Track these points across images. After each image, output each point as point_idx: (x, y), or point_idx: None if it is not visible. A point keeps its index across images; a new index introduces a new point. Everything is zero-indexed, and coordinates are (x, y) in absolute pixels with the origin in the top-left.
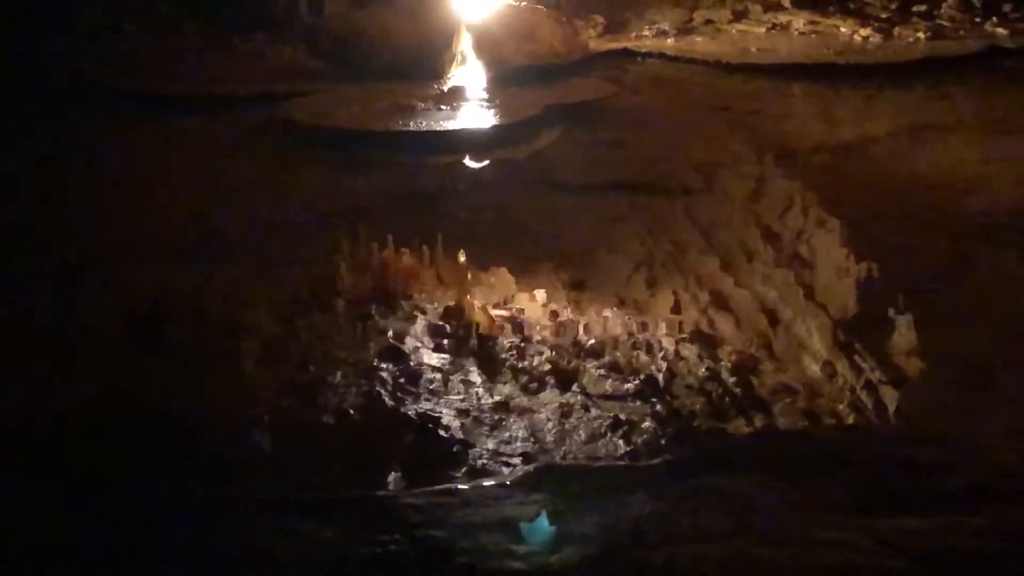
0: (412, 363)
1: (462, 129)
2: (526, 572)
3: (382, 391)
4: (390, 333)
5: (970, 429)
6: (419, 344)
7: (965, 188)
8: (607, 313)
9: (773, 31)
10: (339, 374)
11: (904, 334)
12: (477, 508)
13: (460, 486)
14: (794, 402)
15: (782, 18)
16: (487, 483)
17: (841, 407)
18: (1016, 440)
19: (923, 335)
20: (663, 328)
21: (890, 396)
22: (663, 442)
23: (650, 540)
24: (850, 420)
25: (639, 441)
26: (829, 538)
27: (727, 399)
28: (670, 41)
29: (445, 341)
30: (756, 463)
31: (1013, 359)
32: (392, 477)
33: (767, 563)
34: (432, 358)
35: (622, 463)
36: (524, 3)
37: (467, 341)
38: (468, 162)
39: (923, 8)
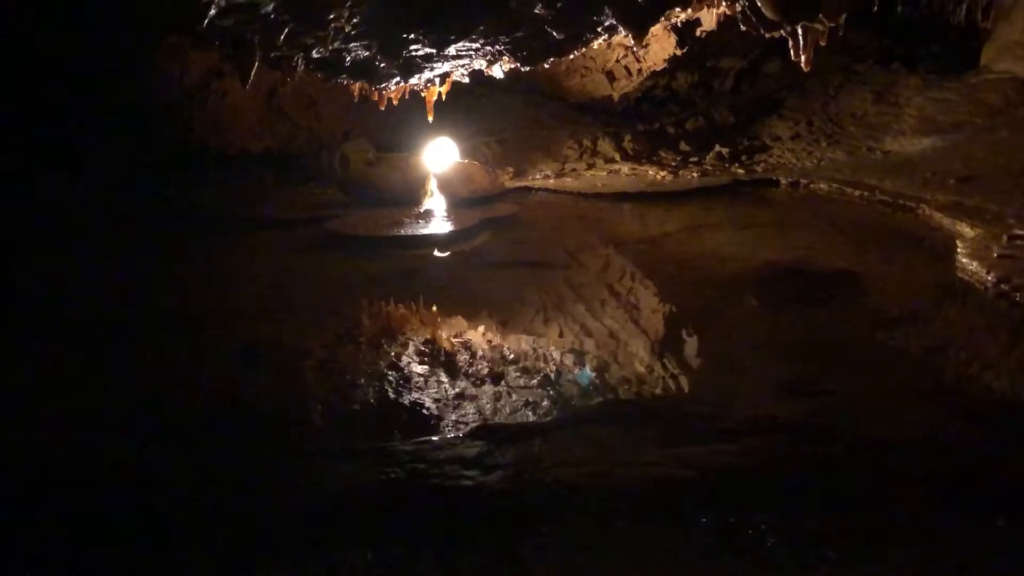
0: (406, 371)
1: (432, 233)
2: (473, 487)
3: (388, 388)
4: (392, 354)
5: (727, 397)
6: (410, 360)
7: (722, 260)
8: (520, 339)
9: (611, 174)
10: (362, 379)
11: (690, 344)
12: (443, 451)
13: (434, 438)
14: (630, 386)
15: (616, 167)
16: (450, 436)
17: (655, 388)
18: (754, 403)
19: (701, 344)
20: (553, 347)
21: (683, 381)
22: (555, 411)
23: (544, 464)
24: (659, 392)
25: (540, 411)
26: (649, 460)
27: (592, 385)
28: (551, 181)
29: (425, 358)
30: (609, 420)
31: (753, 357)
32: (395, 436)
33: (612, 476)
34: (418, 368)
35: (529, 423)
36: (467, 161)
37: (439, 358)
38: (436, 253)
39: (695, 159)
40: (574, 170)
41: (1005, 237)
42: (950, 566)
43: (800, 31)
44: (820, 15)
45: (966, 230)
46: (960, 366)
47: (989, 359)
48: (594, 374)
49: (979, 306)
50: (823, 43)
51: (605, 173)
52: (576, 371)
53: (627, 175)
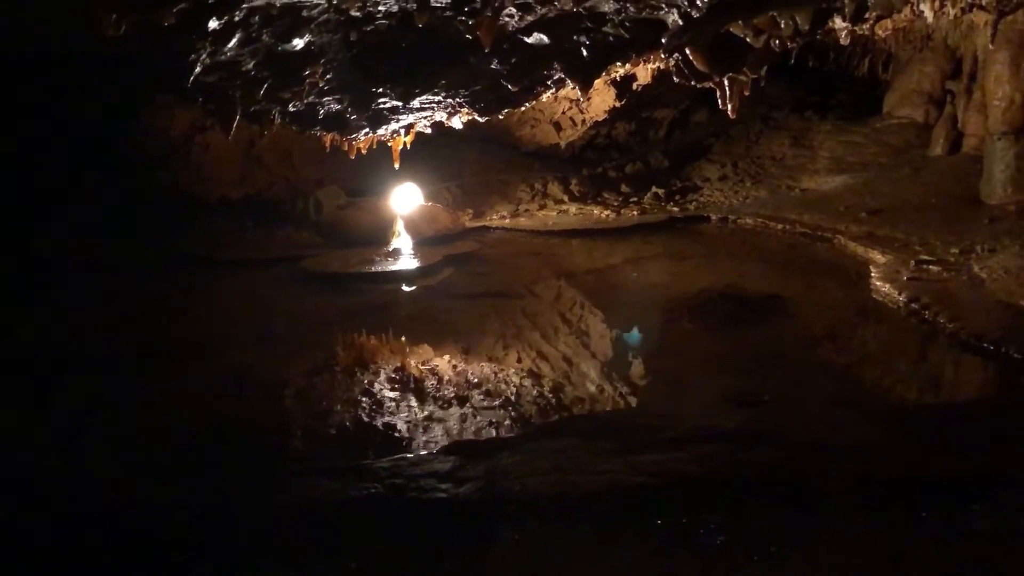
0: (379, 397)
1: (400, 269)
2: (447, 499)
3: (364, 412)
4: (367, 380)
5: (673, 410)
6: (384, 386)
7: (663, 287)
8: (483, 364)
9: (561, 213)
10: (339, 404)
11: (638, 363)
12: (419, 466)
13: (410, 455)
14: (586, 403)
15: (564, 207)
16: (424, 453)
17: (609, 403)
18: (700, 414)
19: (649, 362)
20: (512, 371)
21: (634, 396)
22: (517, 427)
23: (512, 476)
24: (613, 408)
25: (503, 429)
26: (607, 468)
27: (549, 404)
28: (507, 220)
29: (398, 384)
30: (569, 434)
31: (696, 372)
32: (373, 454)
33: (575, 484)
34: (390, 393)
35: (496, 439)
36: (430, 203)
37: (410, 383)
38: (404, 287)
39: (635, 199)
40: (527, 210)
41: (913, 262)
42: (882, 558)
43: (727, 82)
44: (744, 67)
45: (878, 257)
46: (880, 376)
47: (905, 369)
48: (552, 394)
49: (893, 323)
50: (747, 93)
51: (555, 213)
52: (535, 392)
53: (575, 214)
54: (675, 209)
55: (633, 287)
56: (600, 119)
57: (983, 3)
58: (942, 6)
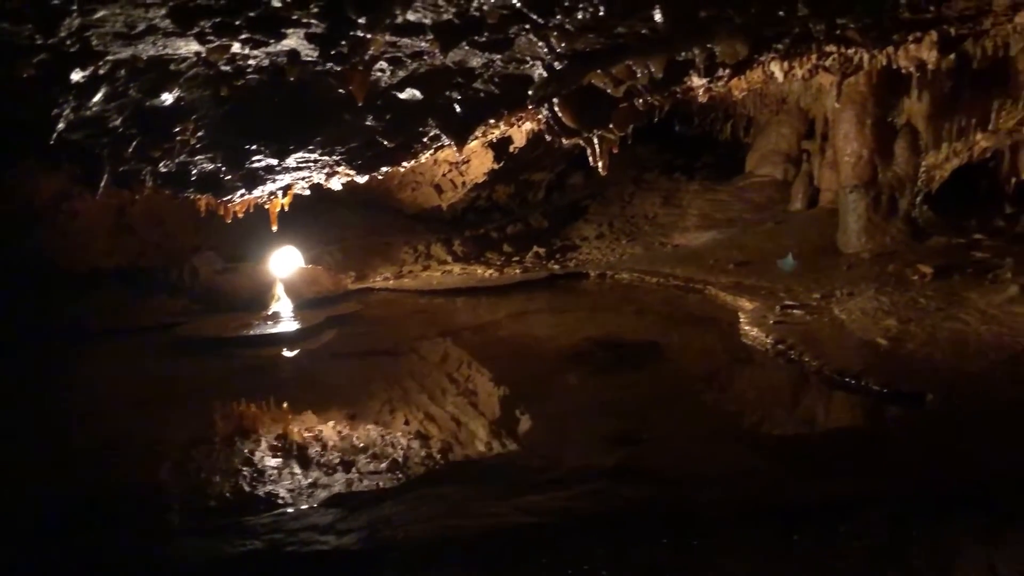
0: (260, 465)
1: (280, 332)
2: (329, 551)
3: (243, 481)
4: (246, 449)
5: (556, 452)
6: (264, 455)
7: (546, 339)
8: (369, 428)
9: (445, 274)
10: (217, 474)
11: (522, 409)
12: (299, 520)
13: (290, 510)
14: (471, 450)
15: (448, 267)
16: (304, 507)
17: (494, 449)
18: (582, 455)
19: (533, 408)
20: (399, 434)
21: (519, 441)
22: (404, 481)
23: (395, 524)
24: (498, 453)
25: (392, 484)
26: (492, 511)
27: (437, 464)
28: (391, 282)
29: (279, 452)
30: (454, 480)
31: (578, 416)
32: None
33: (460, 528)
34: (273, 461)
35: (378, 489)
36: (311, 266)
37: (292, 451)
38: (285, 350)
39: (517, 259)
40: (411, 272)
41: (778, 307)
42: None
43: (596, 139)
44: (611, 125)
45: (746, 304)
46: (752, 411)
47: (774, 404)
48: (440, 454)
49: (762, 364)
50: (615, 151)
51: (439, 273)
52: (423, 454)
53: (459, 274)
54: (556, 267)
55: (517, 340)
56: (480, 181)
57: (827, 65)
58: (791, 67)
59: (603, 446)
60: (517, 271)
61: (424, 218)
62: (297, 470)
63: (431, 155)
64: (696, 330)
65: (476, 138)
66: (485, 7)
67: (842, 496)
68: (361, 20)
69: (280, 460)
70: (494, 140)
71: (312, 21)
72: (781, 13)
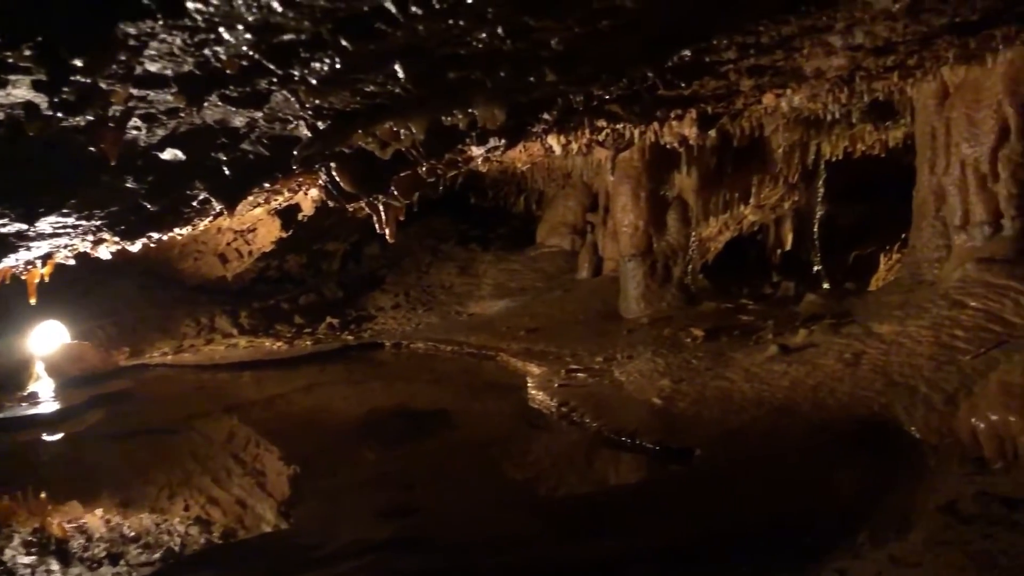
0: (11, 564)
1: (38, 414)
2: None
3: None
4: None
5: (327, 528)
6: (16, 554)
7: (333, 411)
8: (142, 516)
9: (230, 347)
10: None
11: (297, 486)
12: None
13: None
14: (239, 530)
15: (234, 340)
16: None
17: (264, 528)
18: (354, 529)
19: (308, 484)
20: (177, 520)
21: (290, 519)
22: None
23: None
24: (267, 531)
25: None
26: None
27: (190, 536)
28: (169, 357)
29: (34, 549)
30: (216, 564)
31: (355, 490)
32: None
33: None
34: (26, 559)
35: None
36: (76, 342)
37: (49, 546)
38: (43, 434)
39: (309, 330)
40: (192, 346)
41: (563, 371)
42: None
43: (381, 207)
44: (395, 191)
45: (534, 369)
46: (532, 474)
47: (555, 465)
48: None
49: (547, 426)
50: (402, 218)
51: (224, 347)
52: (202, 540)
53: (245, 347)
54: (350, 338)
55: (305, 414)
56: (268, 250)
57: (601, 140)
58: (567, 141)
59: (378, 519)
60: (308, 343)
61: (208, 289)
62: (55, 567)
63: (210, 222)
64: (487, 396)
65: (259, 205)
66: (223, 56)
67: (611, 555)
68: (78, 63)
69: (35, 557)
70: (279, 207)
71: (29, 65)
72: (531, 79)
